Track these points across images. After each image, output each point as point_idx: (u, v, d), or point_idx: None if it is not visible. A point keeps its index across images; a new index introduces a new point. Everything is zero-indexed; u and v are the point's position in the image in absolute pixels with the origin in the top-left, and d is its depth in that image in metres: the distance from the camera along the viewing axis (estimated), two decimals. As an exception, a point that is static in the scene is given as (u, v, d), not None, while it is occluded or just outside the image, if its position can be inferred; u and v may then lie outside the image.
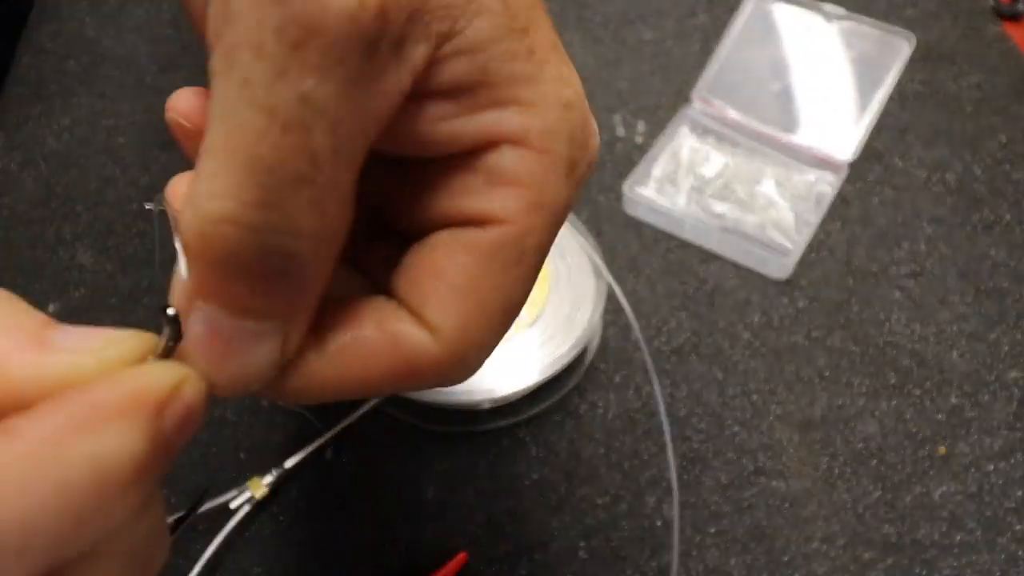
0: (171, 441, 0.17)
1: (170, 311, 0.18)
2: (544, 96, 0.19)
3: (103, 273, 0.47)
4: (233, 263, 0.17)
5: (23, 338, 0.16)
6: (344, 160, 0.17)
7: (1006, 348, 0.44)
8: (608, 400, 0.42)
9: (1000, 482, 0.40)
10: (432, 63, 0.18)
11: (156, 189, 0.51)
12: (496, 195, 0.20)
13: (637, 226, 0.48)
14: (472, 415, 0.41)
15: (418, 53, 0.18)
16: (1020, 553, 0.38)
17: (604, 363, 0.43)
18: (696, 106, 0.53)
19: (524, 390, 0.40)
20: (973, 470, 0.40)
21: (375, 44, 0.17)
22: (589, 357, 0.43)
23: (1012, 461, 0.40)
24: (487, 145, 0.20)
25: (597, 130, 0.21)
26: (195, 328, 0.18)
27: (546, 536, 0.39)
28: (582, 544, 0.38)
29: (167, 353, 0.18)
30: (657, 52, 0.56)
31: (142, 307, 0.46)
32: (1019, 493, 0.39)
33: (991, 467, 0.40)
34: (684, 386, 0.43)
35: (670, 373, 0.43)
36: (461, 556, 0.37)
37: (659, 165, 0.50)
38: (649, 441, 0.41)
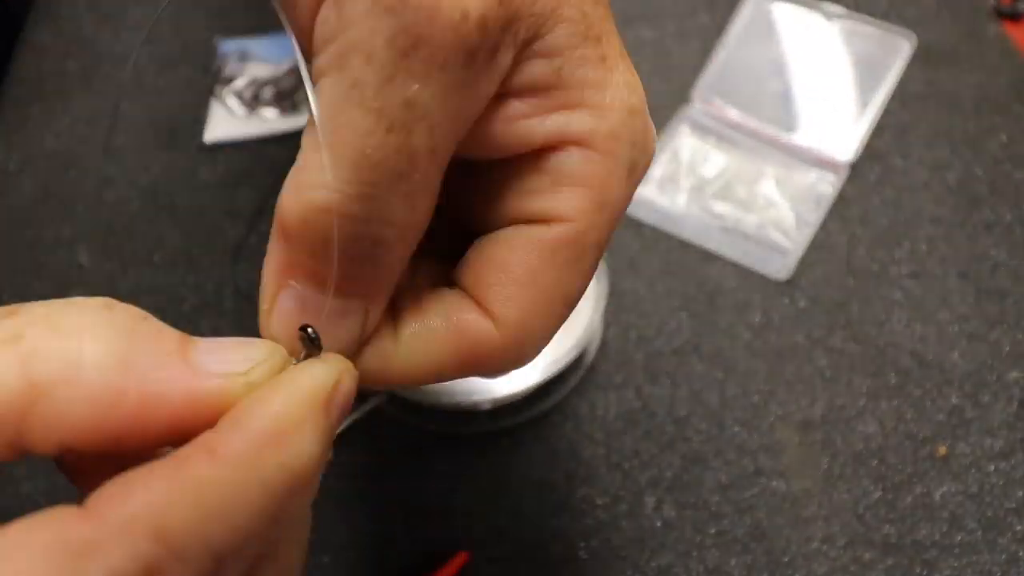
0: (335, 430, 0.20)
1: (310, 331, 0.20)
2: (612, 101, 0.21)
3: (103, 273, 0.47)
4: (329, 248, 0.19)
5: (171, 362, 0.18)
6: (438, 159, 0.19)
7: (1007, 348, 0.44)
8: (608, 400, 0.42)
9: (1000, 482, 0.39)
10: (513, 64, 0.19)
11: (156, 189, 0.51)
12: (562, 195, 0.21)
13: (637, 226, 0.48)
14: (472, 416, 0.41)
15: (507, 59, 0.19)
16: (1021, 553, 0.38)
17: (604, 363, 0.43)
18: (696, 106, 0.53)
19: (524, 390, 0.40)
20: (974, 470, 0.40)
21: (474, 53, 0.18)
22: (589, 357, 0.43)
23: (1012, 461, 0.40)
24: (555, 146, 0.21)
25: (655, 135, 0.23)
26: (286, 304, 0.20)
27: (546, 536, 0.39)
28: (582, 544, 0.38)
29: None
30: (657, 52, 0.56)
31: (142, 307, 0.46)
32: (1020, 493, 0.39)
33: (991, 467, 0.40)
34: (684, 386, 0.43)
35: (670, 373, 0.43)
36: (461, 556, 0.37)
37: (659, 165, 0.50)
38: (649, 441, 0.41)
